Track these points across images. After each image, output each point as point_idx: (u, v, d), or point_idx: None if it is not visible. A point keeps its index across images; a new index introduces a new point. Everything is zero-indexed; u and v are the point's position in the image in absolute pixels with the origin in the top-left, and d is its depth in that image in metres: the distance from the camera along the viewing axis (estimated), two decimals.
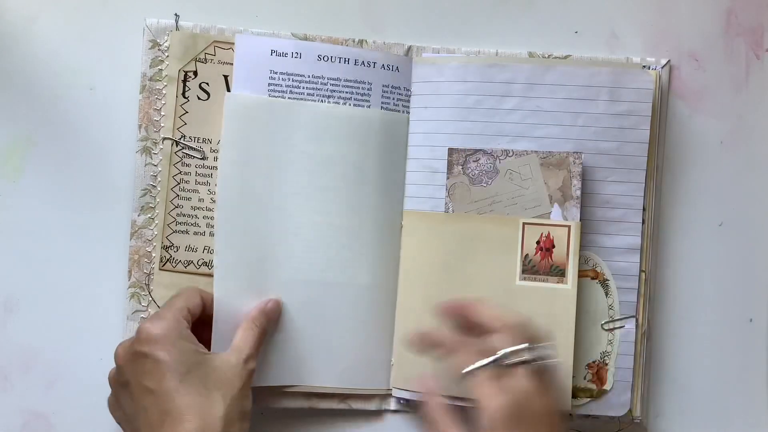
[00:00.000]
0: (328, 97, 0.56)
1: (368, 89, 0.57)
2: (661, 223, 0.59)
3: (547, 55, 0.58)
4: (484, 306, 0.49)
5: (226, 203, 0.55)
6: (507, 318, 0.47)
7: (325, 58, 0.56)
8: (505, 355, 0.45)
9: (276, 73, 0.56)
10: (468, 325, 0.49)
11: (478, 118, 0.56)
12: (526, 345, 0.45)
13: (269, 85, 0.56)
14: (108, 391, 0.52)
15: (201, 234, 0.57)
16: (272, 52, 0.56)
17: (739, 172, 0.60)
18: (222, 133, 0.55)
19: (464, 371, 0.45)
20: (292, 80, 0.56)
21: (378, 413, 0.58)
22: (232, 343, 0.52)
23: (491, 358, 0.44)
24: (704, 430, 0.60)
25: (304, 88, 0.56)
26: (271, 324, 0.54)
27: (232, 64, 0.57)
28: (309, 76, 0.56)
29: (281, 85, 0.56)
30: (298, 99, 0.56)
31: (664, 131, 0.59)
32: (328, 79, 0.56)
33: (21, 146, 0.58)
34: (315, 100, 0.56)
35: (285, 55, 0.56)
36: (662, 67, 0.59)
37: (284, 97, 0.56)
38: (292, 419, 0.58)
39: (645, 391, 0.58)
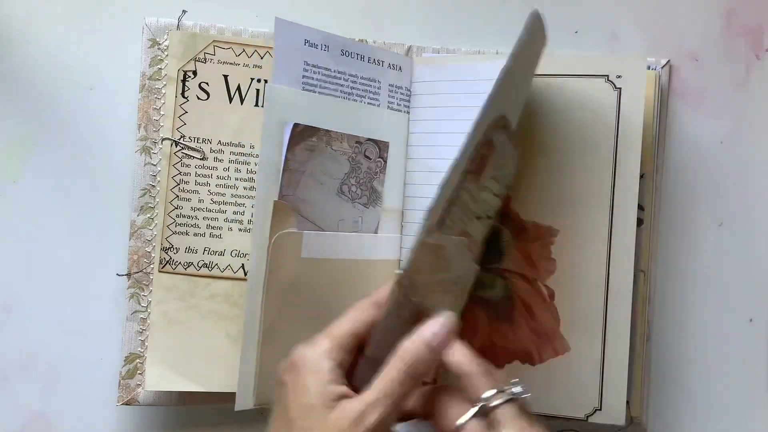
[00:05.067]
0: (348, 94, 0.56)
1: (378, 88, 0.57)
2: (661, 223, 0.59)
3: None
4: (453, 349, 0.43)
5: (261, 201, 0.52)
6: (475, 363, 0.42)
7: (347, 54, 0.56)
8: (489, 398, 0.41)
9: (309, 65, 0.54)
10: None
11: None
12: (503, 386, 0.41)
13: (303, 77, 0.54)
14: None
15: (201, 235, 0.57)
16: (306, 42, 0.54)
17: (739, 172, 0.60)
18: (262, 126, 0.52)
19: (459, 423, 0.40)
20: (322, 74, 0.54)
21: None
22: (370, 388, 0.41)
23: (478, 406, 0.41)
24: (704, 430, 0.60)
25: (330, 83, 0.55)
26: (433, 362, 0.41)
27: (232, 64, 0.57)
28: (334, 71, 0.55)
29: (313, 78, 0.54)
30: (328, 95, 0.55)
31: (664, 131, 0.59)
32: (348, 75, 0.56)
33: (21, 146, 0.58)
34: (340, 98, 0.55)
35: (316, 46, 0.54)
36: (662, 67, 0.59)
37: (315, 92, 0.54)
38: None
39: (645, 391, 0.58)
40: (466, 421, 0.40)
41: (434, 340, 0.41)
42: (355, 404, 0.40)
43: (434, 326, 0.41)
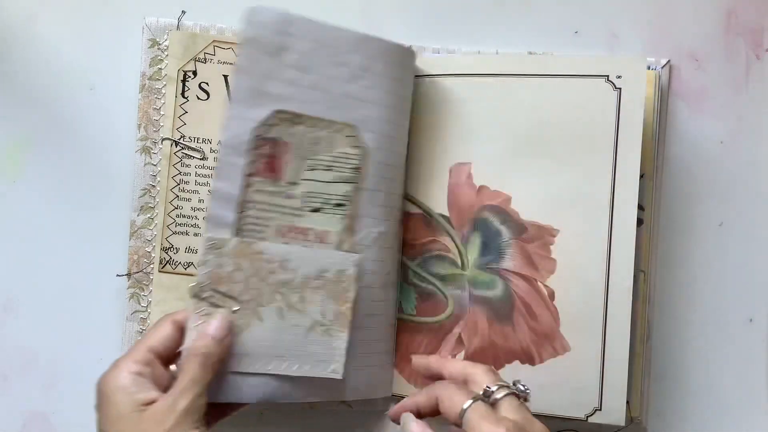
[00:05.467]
0: None
1: None
2: (661, 223, 0.59)
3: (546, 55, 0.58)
4: (449, 360, 0.50)
5: None
6: (475, 365, 0.48)
7: None
8: (494, 390, 0.45)
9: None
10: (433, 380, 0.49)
11: None
12: (506, 382, 0.46)
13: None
14: None
15: (201, 235, 0.57)
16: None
17: (739, 172, 0.60)
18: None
19: (464, 406, 0.44)
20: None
21: (379, 413, 0.59)
22: (173, 387, 0.45)
23: (484, 390, 0.45)
24: (704, 430, 0.60)
25: None
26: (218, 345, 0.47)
27: (232, 64, 0.56)
28: None
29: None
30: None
31: (664, 131, 0.59)
32: None
33: (21, 146, 0.58)
34: None
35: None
36: (662, 67, 0.59)
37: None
38: (291, 419, 0.58)
39: (645, 391, 0.58)
40: (470, 405, 0.43)
41: (217, 332, 0.47)
42: (165, 398, 0.44)
43: (215, 323, 0.47)
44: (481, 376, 0.47)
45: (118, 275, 0.57)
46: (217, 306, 0.49)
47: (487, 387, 0.46)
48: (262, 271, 0.50)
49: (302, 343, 0.51)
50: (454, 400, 0.45)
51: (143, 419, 0.43)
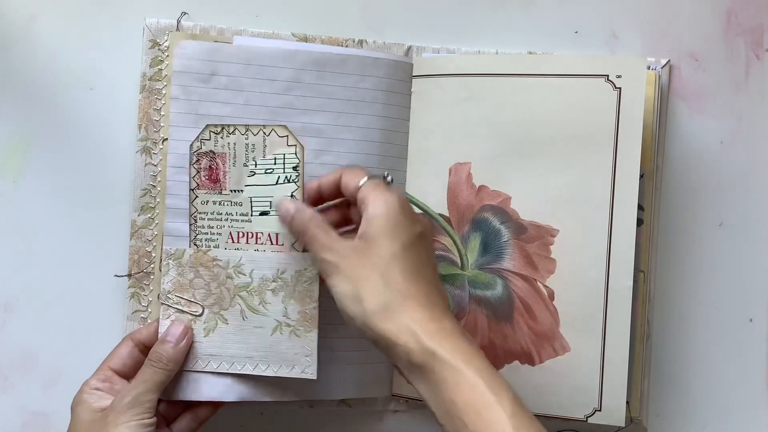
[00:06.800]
0: None
1: None
2: (661, 223, 0.59)
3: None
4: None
5: None
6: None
7: None
8: (386, 176, 0.51)
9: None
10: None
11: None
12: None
13: None
14: None
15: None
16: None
17: (739, 172, 0.60)
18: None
19: (361, 182, 0.48)
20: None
21: (378, 413, 0.59)
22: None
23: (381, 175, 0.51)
24: (704, 430, 0.60)
25: None
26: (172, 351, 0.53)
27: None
28: None
29: None
30: None
31: (664, 131, 0.59)
32: None
33: (21, 146, 0.58)
34: None
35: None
36: (662, 67, 0.59)
37: None
38: (291, 419, 0.58)
39: (645, 391, 0.58)
40: (365, 181, 0.49)
41: (172, 337, 0.52)
42: (115, 399, 0.50)
43: (171, 329, 0.53)
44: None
45: (118, 275, 0.57)
46: (182, 312, 0.53)
47: (385, 173, 0.51)
48: (220, 276, 0.54)
49: (269, 343, 0.53)
50: (354, 178, 0.49)
51: (96, 420, 0.49)
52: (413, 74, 0.58)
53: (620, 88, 0.54)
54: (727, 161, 0.60)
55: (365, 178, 0.49)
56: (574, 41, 0.60)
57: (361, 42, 0.58)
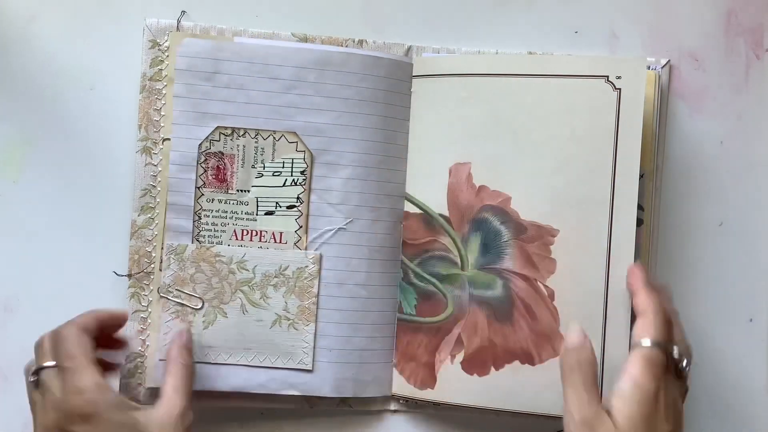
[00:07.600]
0: None
1: None
2: (661, 223, 0.59)
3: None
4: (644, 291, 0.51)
5: None
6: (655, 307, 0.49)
7: None
8: (678, 357, 0.48)
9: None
10: None
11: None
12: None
13: None
14: None
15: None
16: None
17: (739, 172, 0.60)
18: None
19: (643, 343, 0.46)
20: None
21: (378, 413, 0.59)
22: (162, 395, 0.50)
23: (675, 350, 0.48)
24: (704, 430, 0.60)
25: None
26: (191, 355, 0.54)
27: None
28: None
29: None
30: None
31: (664, 131, 0.59)
32: None
33: (21, 146, 0.58)
34: None
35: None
36: (662, 67, 0.59)
37: None
38: (291, 419, 0.58)
39: None
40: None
41: (181, 341, 0.53)
42: (161, 401, 0.49)
43: (178, 336, 0.53)
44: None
45: (118, 274, 0.57)
46: (182, 305, 0.55)
47: (679, 352, 0.47)
48: (222, 271, 0.55)
49: (268, 336, 0.55)
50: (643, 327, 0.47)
51: None
52: (413, 74, 0.58)
53: (620, 89, 0.54)
54: (727, 161, 0.60)
55: (648, 341, 0.47)
56: (574, 41, 0.60)
57: (361, 42, 0.58)
